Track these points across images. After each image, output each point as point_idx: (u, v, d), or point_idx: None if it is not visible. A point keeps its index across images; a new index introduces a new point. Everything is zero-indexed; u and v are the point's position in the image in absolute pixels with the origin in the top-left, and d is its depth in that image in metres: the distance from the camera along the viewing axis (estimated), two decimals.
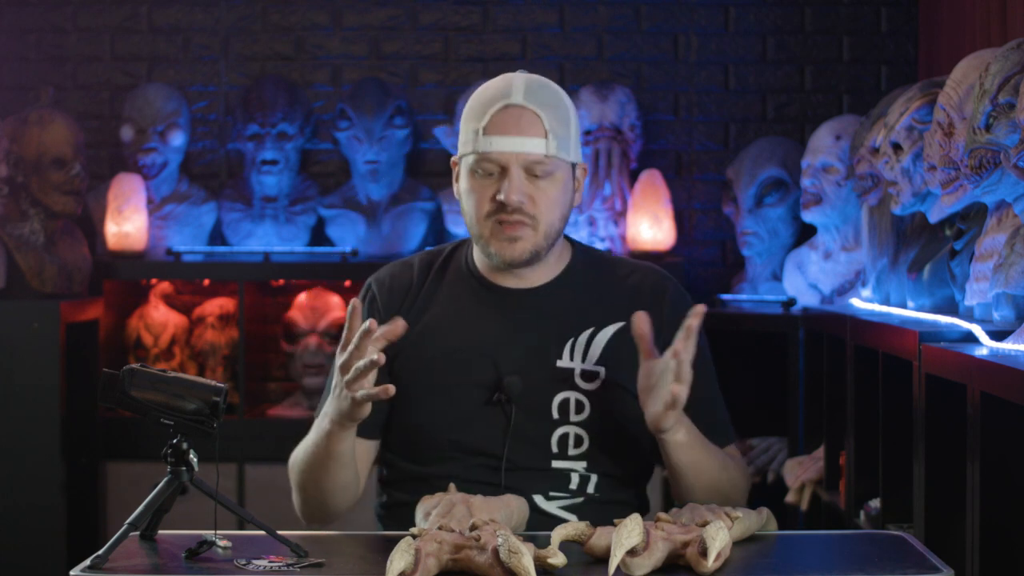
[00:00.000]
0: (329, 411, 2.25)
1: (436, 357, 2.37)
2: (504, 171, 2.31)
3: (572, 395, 2.35)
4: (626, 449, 2.39)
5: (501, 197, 2.30)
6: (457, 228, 4.81)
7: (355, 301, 2.19)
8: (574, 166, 2.37)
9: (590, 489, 2.36)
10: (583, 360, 2.36)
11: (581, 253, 2.46)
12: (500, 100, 2.33)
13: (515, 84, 2.34)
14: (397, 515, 2.37)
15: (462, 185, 2.37)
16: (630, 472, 2.42)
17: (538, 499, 2.32)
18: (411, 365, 2.37)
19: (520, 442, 2.33)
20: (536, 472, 2.33)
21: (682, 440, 2.27)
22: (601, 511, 2.29)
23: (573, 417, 2.35)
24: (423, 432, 2.37)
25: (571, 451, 2.35)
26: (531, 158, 2.31)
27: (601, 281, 2.42)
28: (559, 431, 2.35)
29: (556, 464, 2.35)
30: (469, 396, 2.34)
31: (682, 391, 2.19)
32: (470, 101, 2.38)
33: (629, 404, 2.36)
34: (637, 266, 2.48)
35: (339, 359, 2.17)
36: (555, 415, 2.34)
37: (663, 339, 2.30)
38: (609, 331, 2.38)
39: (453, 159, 2.41)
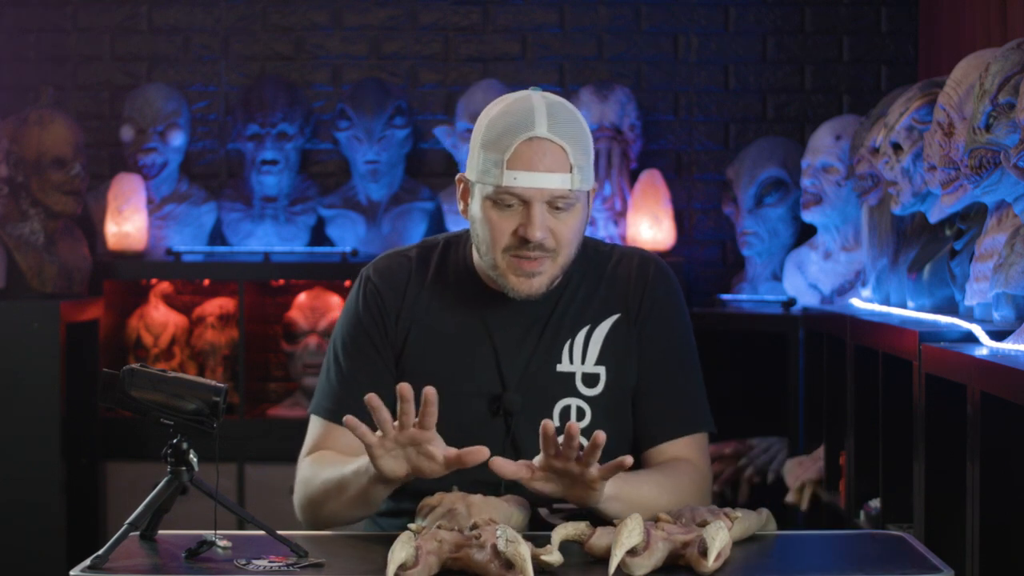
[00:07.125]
0: (371, 471, 2.17)
1: (441, 364, 2.34)
2: (526, 204, 2.25)
3: (573, 402, 2.34)
4: (624, 452, 2.38)
5: (523, 234, 2.24)
6: (457, 228, 4.80)
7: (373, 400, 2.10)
8: (589, 191, 2.33)
9: None
10: (583, 362, 2.35)
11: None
12: (523, 132, 2.22)
13: (537, 111, 2.24)
14: (394, 523, 2.35)
15: (476, 211, 2.29)
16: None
17: (543, 512, 2.31)
18: (416, 370, 2.34)
19: (522, 453, 2.31)
20: None
21: (611, 494, 2.18)
22: (601, 519, 2.27)
23: None
24: None
25: None
26: (556, 193, 2.24)
27: (592, 276, 2.41)
28: (561, 439, 2.34)
29: None
30: (471, 406, 2.33)
31: (587, 470, 2.10)
32: (487, 124, 2.27)
33: (628, 404, 2.36)
34: (623, 253, 2.45)
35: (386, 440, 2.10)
36: (556, 423, 2.32)
37: (641, 322, 2.36)
38: (605, 326, 2.37)
39: (460, 176, 2.34)
